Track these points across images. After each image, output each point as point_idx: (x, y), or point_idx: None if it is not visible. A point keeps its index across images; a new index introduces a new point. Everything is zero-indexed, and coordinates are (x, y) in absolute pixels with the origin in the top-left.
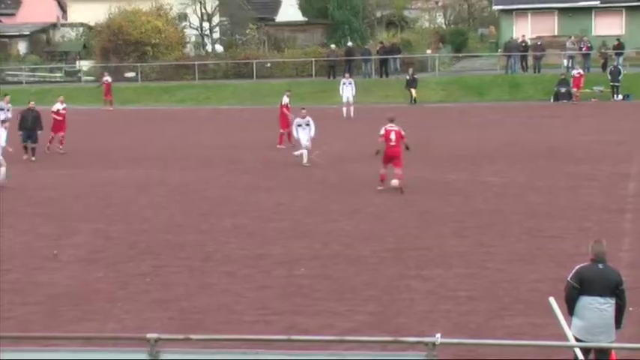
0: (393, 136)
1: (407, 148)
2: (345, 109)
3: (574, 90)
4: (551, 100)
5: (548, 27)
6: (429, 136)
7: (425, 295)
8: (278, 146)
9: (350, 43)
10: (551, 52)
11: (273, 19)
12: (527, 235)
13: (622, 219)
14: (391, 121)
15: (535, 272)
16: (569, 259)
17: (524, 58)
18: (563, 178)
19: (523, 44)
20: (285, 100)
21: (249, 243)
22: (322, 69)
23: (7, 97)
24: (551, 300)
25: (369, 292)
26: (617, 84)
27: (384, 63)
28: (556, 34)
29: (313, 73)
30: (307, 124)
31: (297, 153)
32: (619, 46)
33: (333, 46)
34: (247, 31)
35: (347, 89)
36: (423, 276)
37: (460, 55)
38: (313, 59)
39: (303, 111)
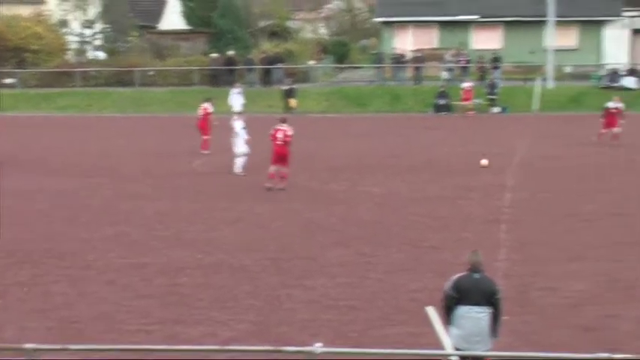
0: (280, 135)
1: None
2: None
3: (465, 103)
4: (431, 111)
5: (428, 40)
6: (312, 146)
7: (307, 304)
8: (203, 152)
9: (231, 52)
10: (431, 64)
11: (156, 27)
12: (408, 246)
13: (498, 229)
14: (283, 122)
15: (415, 282)
16: (448, 269)
17: (401, 70)
18: (442, 190)
19: (400, 56)
20: (209, 107)
21: (131, 252)
22: (205, 78)
23: None
24: (430, 309)
25: (251, 301)
26: (494, 97)
27: (267, 73)
28: (436, 46)
29: (196, 82)
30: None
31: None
32: (496, 60)
33: (214, 55)
34: (130, 39)
35: (236, 98)
36: (305, 285)
37: (342, 66)
38: (196, 68)
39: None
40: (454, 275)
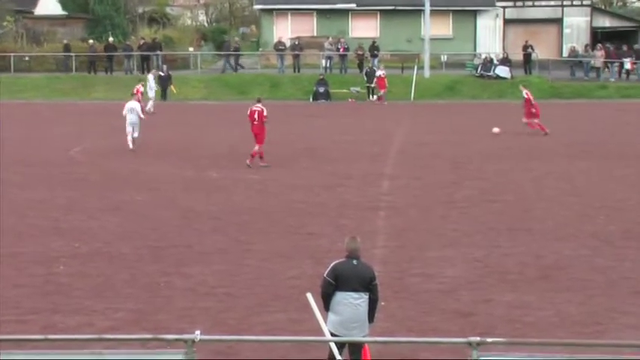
0: (256, 115)
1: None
2: (150, 103)
3: (380, 92)
4: (310, 99)
5: (307, 27)
6: (191, 133)
7: (184, 292)
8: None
9: (110, 39)
10: (311, 52)
11: (32, 12)
12: (287, 232)
13: (376, 216)
14: (258, 101)
15: (293, 269)
16: (326, 256)
17: (284, 58)
18: (321, 177)
19: (279, 44)
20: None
21: (3, 241)
22: (83, 64)
23: None
24: (309, 296)
25: (129, 289)
26: (372, 85)
27: (145, 59)
28: (315, 34)
29: (74, 68)
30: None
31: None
32: (374, 48)
33: (91, 41)
34: (4, 24)
35: (152, 84)
36: (182, 273)
37: (222, 53)
38: (73, 54)
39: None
40: (332, 262)
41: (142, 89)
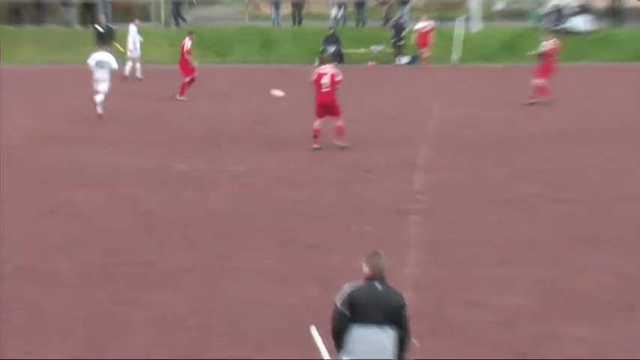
0: (326, 79)
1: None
2: (130, 64)
3: (421, 50)
4: (317, 62)
5: None
6: (153, 110)
7: (144, 325)
8: (179, 97)
9: None
10: None
11: None
12: (282, 245)
13: (406, 223)
14: (325, 62)
15: (292, 295)
16: (337, 277)
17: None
18: (329, 168)
19: None
20: (188, 44)
21: None
22: (2, 15)
23: None
24: (313, 330)
25: (69, 322)
26: (400, 43)
27: (88, 7)
28: None
29: None
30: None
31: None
32: None
33: None
34: None
35: (134, 39)
36: (141, 300)
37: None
38: None
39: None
40: (347, 285)
41: (189, 45)
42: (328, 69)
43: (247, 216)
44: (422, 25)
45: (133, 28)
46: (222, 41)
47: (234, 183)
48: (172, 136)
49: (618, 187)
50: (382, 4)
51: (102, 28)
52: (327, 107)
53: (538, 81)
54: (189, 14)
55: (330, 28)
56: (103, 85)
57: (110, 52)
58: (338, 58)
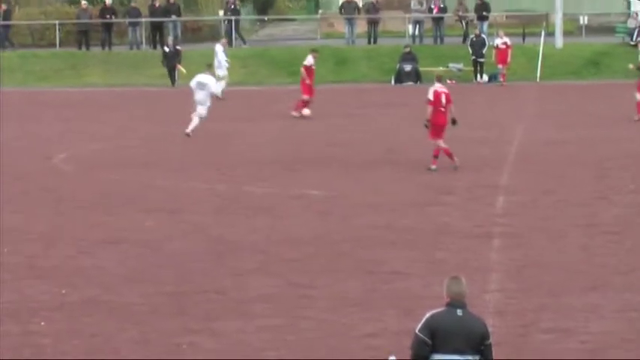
0: (443, 99)
1: (453, 122)
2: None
3: (500, 67)
4: (392, 82)
5: None
6: (223, 131)
7: (216, 357)
8: (292, 113)
9: (108, 0)
10: (392, 14)
11: None
12: (361, 271)
13: (488, 247)
14: (439, 80)
15: (371, 322)
16: (417, 304)
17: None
18: (409, 192)
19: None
20: (310, 60)
21: None
22: (70, 36)
23: None
24: (392, 358)
25: (139, 353)
26: (481, 60)
27: (157, 28)
28: None
29: (57, 43)
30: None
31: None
32: (483, 7)
33: (84, 2)
34: None
35: (218, 59)
36: (213, 330)
37: (266, 17)
38: (57, 22)
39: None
40: (427, 312)
41: (312, 61)
42: (444, 88)
43: (326, 242)
44: (500, 41)
45: (219, 48)
46: (294, 61)
47: (310, 208)
48: (245, 160)
49: None
50: (460, 19)
51: (168, 48)
52: (443, 127)
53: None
54: (262, 32)
55: (407, 46)
56: (200, 109)
57: (211, 74)
58: (415, 76)
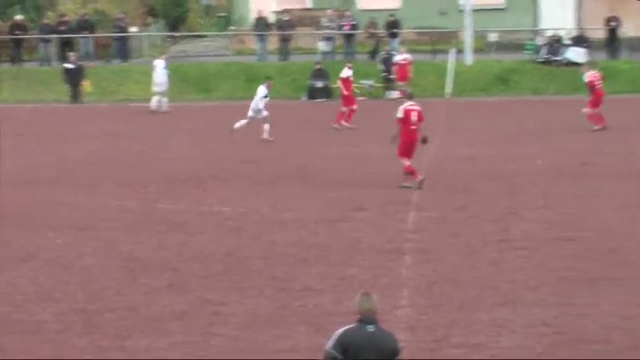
0: (415, 117)
1: (424, 140)
2: (156, 99)
3: (399, 83)
4: (304, 98)
5: None
6: (134, 148)
7: None
8: (334, 125)
9: (19, 16)
10: (303, 30)
11: None
12: (272, 288)
13: (399, 263)
14: (410, 98)
15: (282, 338)
16: (328, 320)
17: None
18: (320, 208)
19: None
20: (347, 72)
21: None
22: None
23: None
24: None
25: None
26: (392, 76)
27: (67, 44)
28: (309, 6)
29: None
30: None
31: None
32: (394, 24)
33: None
34: None
35: (161, 73)
36: (125, 347)
37: (177, 34)
38: None
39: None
40: (338, 329)
41: (348, 73)
42: (416, 105)
43: (237, 258)
44: (400, 57)
45: (160, 63)
46: (206, 77)
47: (221, 224)
48: (158, 176)
49: (626, 226)
50: (371, 36)
51: (72, 65)
52: (415, 145)
53: (588, 110)
54: (173, 48)
55: (318, 63)
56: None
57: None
58: (326, 93)
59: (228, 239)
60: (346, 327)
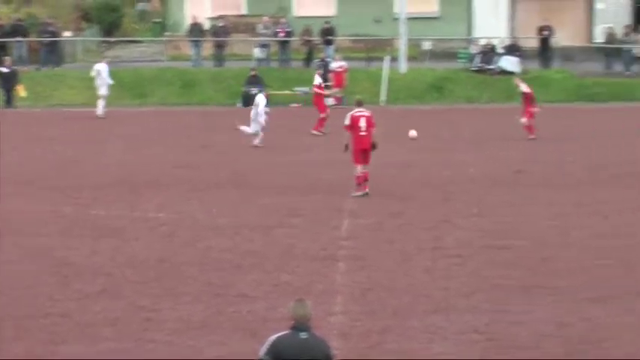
0: (363, 123)
1: (373, 146)
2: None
3: (334, 90)
4: (239, 104)
5: (233, 3)
6: (68, 153)
7: None
8: (313, 131)
9: None
10: (238, 37)
11: None
12: (206, 294)
13: (333, 270)
14: (359, 105)
15: (216, 345)
16: (262, 327)
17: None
18: (254, 214)
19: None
20: (318, 80)
21: None
22: None
23: None
24: None
25: None
26: (327, 83)
27: (2, 48)
28: (244, 12)
29: None
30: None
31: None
32: (329, 31)
33: None
34: None
35: (105, 78)
36: (58, 354)
37: (112, 39)
38: None
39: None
40: (272, 335)
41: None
42: (364, 111)
43: (171, 264)
44: (336, 64)
45: (103, 67)
46: (141, 83)
47: (155, 230)
48: (92, 182)
49: (559, 234)
50: (305, 43)
51: (6, 69)
52: (365, 151)
53: (526, 120)
54: (108, 53)
55: (253, 69)
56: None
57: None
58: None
59: (163, 245)
60: (279, 333)
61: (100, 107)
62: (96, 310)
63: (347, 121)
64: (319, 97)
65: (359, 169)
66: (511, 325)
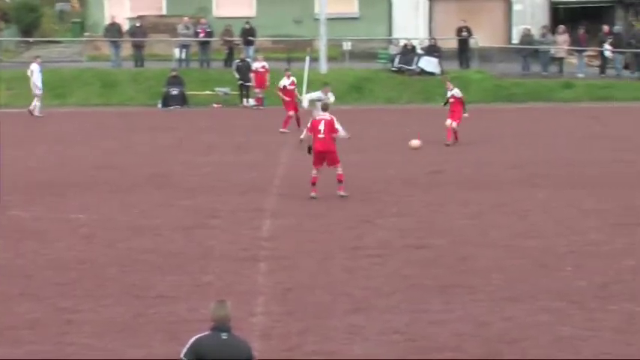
0: (322, 126)
1: (309, 150)
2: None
3: (256, 90)
4: (159, 105)
5: (153, 3)
6: None
7: None
8: (281, 130)
9: None
10: (158, 37)
11: None
12: (127, 295)
13: (254, 270)
14: (324, 109)
15: (137, 347)
16: (183, 328)
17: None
18: (175, 215)
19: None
20: (285, 81)
21: None
22: None
23: None
24: None
25: None
26: (248, 84)
27: None
28: (164, 12)
29: None
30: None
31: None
32: (249, 32)
33: None
34: None
35: (38, 77)
36: None
37: (31, 39)
38: None
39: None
40: (192, 336)
41: (286, 82)
42: (325, 115)
43: (92, 266)
44: (259, 64)
45: (36, 67)
46: (61, 83)
47: (76, 232)
48: (12, 184)
49: (477, 233)
50: (226, 44)
51: None
52: (324, 154)
53: (455, 124)
54: (27, 54)
55: (174, 70)
56: None
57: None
58: (181, 100)
59: (83, 246)
60: (200, 335)
61: (36, 106)
62: (16, 312)
63: (308, 124)
64: (290, 96)
65: (314, 171)
66: (431, 325)
